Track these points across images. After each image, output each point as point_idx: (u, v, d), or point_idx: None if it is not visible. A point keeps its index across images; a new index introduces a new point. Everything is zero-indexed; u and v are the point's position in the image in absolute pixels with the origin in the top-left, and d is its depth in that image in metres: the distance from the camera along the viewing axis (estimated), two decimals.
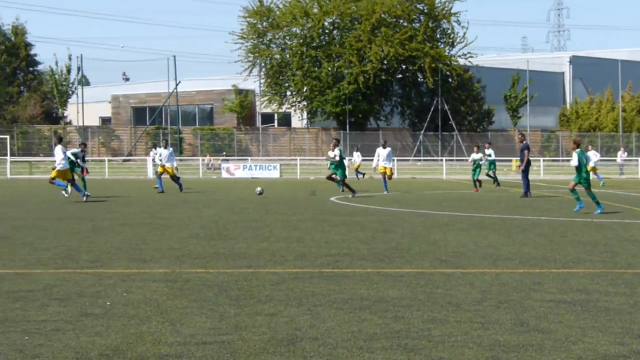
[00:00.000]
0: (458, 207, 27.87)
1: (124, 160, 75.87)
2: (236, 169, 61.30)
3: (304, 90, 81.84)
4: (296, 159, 66.67)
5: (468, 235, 18.74)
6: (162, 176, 37.61)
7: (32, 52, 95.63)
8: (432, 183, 50.46)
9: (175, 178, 37.50)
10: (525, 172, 33.72)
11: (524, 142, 34.76)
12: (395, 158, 64.00)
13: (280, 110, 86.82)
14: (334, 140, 35.15)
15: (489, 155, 42.68)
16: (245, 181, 54.28)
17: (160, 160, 37.99)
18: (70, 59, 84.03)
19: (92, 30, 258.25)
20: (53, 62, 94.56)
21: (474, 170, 39.61)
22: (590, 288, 11.46)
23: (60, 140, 31.70)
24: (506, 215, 24.51)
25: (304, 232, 19.38)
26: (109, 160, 68.54)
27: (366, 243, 17.23)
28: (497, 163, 44.66)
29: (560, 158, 78.56)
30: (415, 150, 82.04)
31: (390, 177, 37.65)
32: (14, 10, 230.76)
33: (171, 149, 38.62)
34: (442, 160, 68.43)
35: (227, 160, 66.40)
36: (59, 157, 30.33)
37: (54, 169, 30.88)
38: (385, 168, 36.94)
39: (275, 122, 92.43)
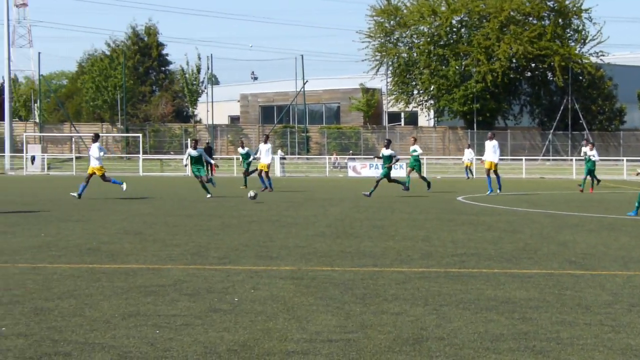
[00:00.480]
0: (588, 208, 27.32)
1: (253, 159, 76.80)
2: (362, 168, 61.39)
3: (431, 88, 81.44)
4: (423, 158, 66.36)
5: (598, 237, 18.35)
6: (262, 174, 37.15)
7: (164, 52, 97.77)
8: (562, 183, 49.57)
9: (266, 175, 36.91)
10: None
11: None
12: (523, 157, 63.15)
13: (407, 109, 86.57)
14: (386, 140, 34.27)
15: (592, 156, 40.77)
16: (372, 180, 54.34)
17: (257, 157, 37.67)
18: (199, 58, 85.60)
19: (222, 30, 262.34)
20: (184, 61, 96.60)
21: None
22: None
23: (97, 137, 31.77)
24: (638, 217, 23.90)
25: (430, 231, 19.29)
26: (237, 159, 69.51)
27: (493, 243, 17.04)
28: (633, 163, 43.07)
29: None
30: (544, 149, 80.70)
31: (495, 173, 34.92)
32: (148, 11, 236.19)
33: (269, 145, 38.38)
34: (571, 159, 67.14)
35: (354, 159, 66.55)
36: (96, 154, 30.63)
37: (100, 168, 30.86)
38: (491, 163, 34.86)
39: (402, 120, 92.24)
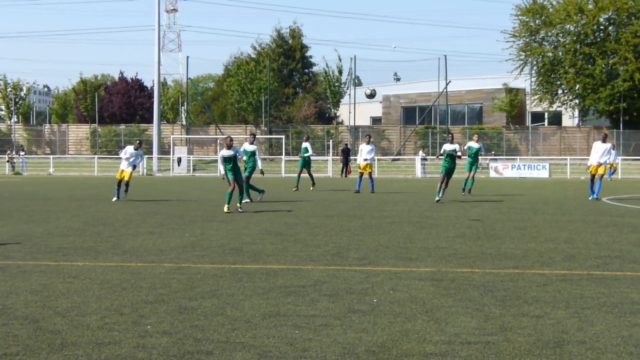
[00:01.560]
0: None
1: (393, 160, 76.86)
2: (504, 169, 60.70)
3: (576, 88, 79.81)
4: (566, 159, 65.16)
5: None
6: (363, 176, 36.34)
7: (308, 54, 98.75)
8: None
9: (370, 176, 36.00)
10: None
11: None
12: None
13: (550, 109, 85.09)
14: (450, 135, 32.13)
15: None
16: (514, 181, 53.64)
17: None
18: (340, 59, 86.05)
19: (366, 31, 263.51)
20: (326, 63, 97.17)
21: None
22: None
23: (140, 144, 31.15)
24: None
25: (573, 233, 18.94)
26: (377, 160, 69.70)
27: (638, 245, 16.62)
28: None
29: None
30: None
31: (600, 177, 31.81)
32: (292, 14, 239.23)
33: (373, 145, 36.95)
34: None
35: (496, 159, 65.83)
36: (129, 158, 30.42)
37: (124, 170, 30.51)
38: (596, 167, 31.70)
39: (546, 121, 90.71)
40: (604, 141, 31.89)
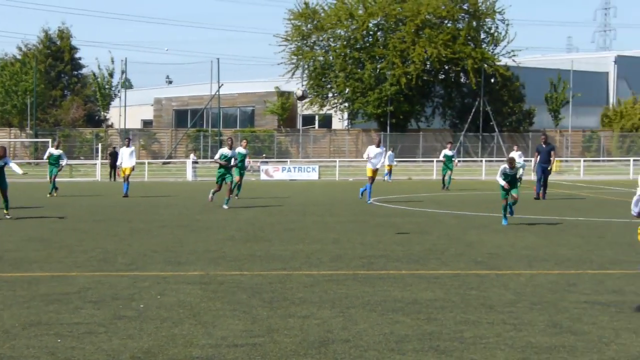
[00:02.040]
0: (496, 209, 27.67)
1: (164, 163, 76.22)
2: (275, 171, 61.37)
3: (346, 91, 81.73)
4: (335, 161, 66.59)
5: (505, 237, 18.63)
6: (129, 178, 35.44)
7: (77, 55, 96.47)
8: (472, 184, 50.19)
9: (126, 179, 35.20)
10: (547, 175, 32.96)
11: (549, 143, 33.56)
12: (434, 159, 63.85)
13: (321, 112, 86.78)
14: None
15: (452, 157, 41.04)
16: (284, 183, 54.35)
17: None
18: (112, 62, 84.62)
19: (137, 33, 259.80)
20: (96, 65, 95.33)
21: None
22: (626, 289, 11.34)
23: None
24: (544, 216, 24.32)
25: (341, 234, 19.36)
26: (148, 163, 68.94)
27: (402, 245, 17.18)
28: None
29: (601, 158, 77.87)
30: (455, 151, 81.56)
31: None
32: (61, 14, 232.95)
33: (133, 147, 36.26)
34: (482, 160, 68.03)
35: (267, 162, 66.48)
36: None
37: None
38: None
39: (316, 123, 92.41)
40: (378, 145, 31.46)
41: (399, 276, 12.99)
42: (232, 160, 28.32)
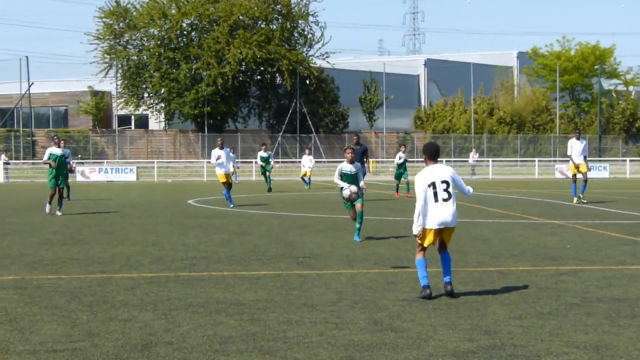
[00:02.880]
0: (316, 209, 28.06)
1: None
2: (92, 172, 60.20)
3: (162, 92, 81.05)
4: (153, 162, 65.92)
5: (325, 237, 18.88)
6: None
7: None
8: (290, 185, 50.64)
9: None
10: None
11: (362, 144, 33.29)
12: (253, 160, 64.05)
13: (137, 112, 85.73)
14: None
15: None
16: (101, 184, 53.41)
17: None
18: None
19: None
20: None
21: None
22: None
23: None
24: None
25: (161, 236, 19.18)
26: None
27: (223, 246, 17.17)
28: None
29: (416, 159, 80.00)
30: (273, 151, 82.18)
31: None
32: None
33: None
34: (299, 161, 68.79)
35: (82, 163, 65.11)
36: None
37: None
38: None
39: (132, 124, 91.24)
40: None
41: (221, 277, 12.98)
42: (67, 159, 26.57)
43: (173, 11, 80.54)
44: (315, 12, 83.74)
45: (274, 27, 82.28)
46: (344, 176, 17.47)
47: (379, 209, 27.75)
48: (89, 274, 13.36)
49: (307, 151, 45.79)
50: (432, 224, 11.05)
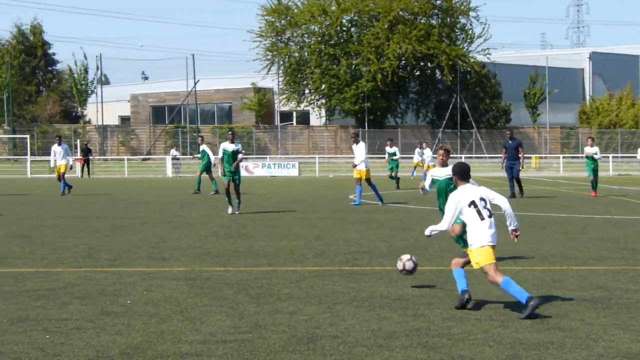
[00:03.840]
0: None
1: (143, 159, 76.03)
2: (255, 167, 61.35)
3: (322, 88, 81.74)
4: (315, 157, 66.67)
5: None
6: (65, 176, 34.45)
7: (50, 51, 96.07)
8: None
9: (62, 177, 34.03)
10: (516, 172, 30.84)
11: (515, 139, 31.91)
12: (414, 156, 63.90)
13: (298, 109, 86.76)
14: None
15: (393, 154, 40.40)
16: (264, 179, 54.32)
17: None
18: (86, 57, 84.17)
19: (112, 29, 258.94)
20: (72, 61, 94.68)
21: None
22: (611, 285, 11.41)
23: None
24: (525, 213, 24.39)
25: (323, 230, 19.36)
26: (128, 159, 68.76)
27: (385, 241, 17.21)
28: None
29: (580, 155, 78.17)
30: (434, 147, 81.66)
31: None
32: (32, 10, 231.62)
33: (66, 145, 35.65)
34: (460, 157, 68.29)
35: (246, 158, 66.41)
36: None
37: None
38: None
39: (294, 120, 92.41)
40: (355, 143, 28.95)
41: (384, 272, 13.01)
42: (240, 155, 24.51)
43: (333, 8, 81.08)
44: (476, 8, 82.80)
45: (434, 22, 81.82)
46: (435, 183, 14.01)
47: (542, 205, 27.26)
48: (255, 266, 13.61)
49: (424, 144, 45.83)
50: (486, 241, 10.14)
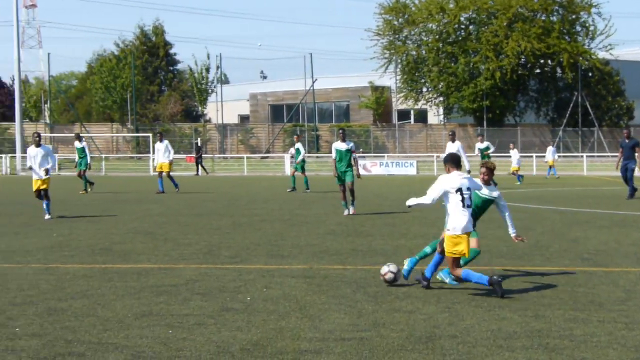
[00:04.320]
0: (599, 204, 27.25)
1: (262, 158, 76.87)
2: (373, 166, 61.38)
3: (440, 86, 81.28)
4: (433, 156, 66.29)
5: (610, 233, 18.30)
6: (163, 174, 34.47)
7: (172, 51, 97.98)
8: (572, 179, 49.44)
9: (168, 175, 34.21)
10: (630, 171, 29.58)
11: (633, 138, 30.41)
12: (534, 154, 63.03)
13: (416, 107, 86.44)
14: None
15: (487, 149, 39.86)
16: (382, 178, 54.29)
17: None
18: (208, 57, 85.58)
19: (230, 29, 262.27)
20: (192, 61, 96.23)
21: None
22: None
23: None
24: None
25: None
26: (247, 158, 69.61)
27: (504, 240, 16.98)
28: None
29: None
30: (554, 145, 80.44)
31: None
32: (155, 11, 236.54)
33: (166, 141, 35.16)
34: (582, 156, 66.99)
35: (364, 157, 66.52)
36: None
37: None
38: None
39: (412, 118, 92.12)
40: (451, 142, 29.60)
41: (503, 272, 12.86)
42: (354, 154, 23.84)
43: (451, 5, 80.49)
44: (598, 4, 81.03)
45: (554, 19, 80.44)
46: (474, 198, 11.86)
47: None
48: (373, 265, 13.61)
49: (511, 145, 45.40)
50: (459, 229, 11.08)
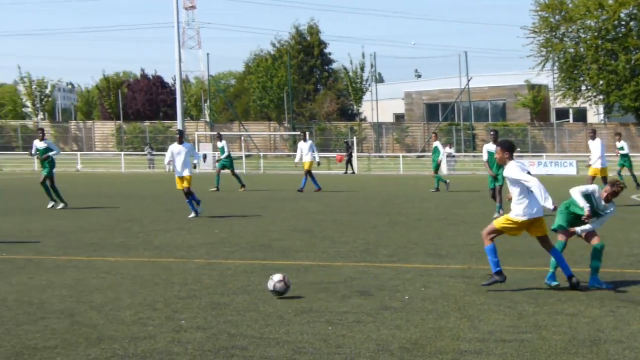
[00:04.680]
0: None
1: (418, 156, 76.67)
2: (530, 165, 60.36)
3: (600, 84, 79.28)
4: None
5: None
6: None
7: (326, 50, 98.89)
8: None
9: (309, 174, 33.89)
10: None
11: None
12: None
13: (574, 105, 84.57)
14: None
15: (621, 149, 38.28)
16: (541, 178, 53.30)
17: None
18: (363, 56, 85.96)
19: (384, 28, 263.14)
20: (347, 60, 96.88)
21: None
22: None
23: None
24: None
25: (604, 231, 18.59)
26: (403, 157, 69.57)
27: None
28: None
29: None
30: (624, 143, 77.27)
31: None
32: (310, 11, 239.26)
33: (310, 141, 34.86)
34: None
35: (521, 156, 65.51)
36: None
37: None
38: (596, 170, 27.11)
39: (570, 117, 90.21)
40: (592, 139, 28.08)
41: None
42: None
43: (610, 1, 78.32)
44: None
45: None
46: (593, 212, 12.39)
47: None
48: (533, 266, 13.42)
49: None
50: (530, 214, 11.67)
